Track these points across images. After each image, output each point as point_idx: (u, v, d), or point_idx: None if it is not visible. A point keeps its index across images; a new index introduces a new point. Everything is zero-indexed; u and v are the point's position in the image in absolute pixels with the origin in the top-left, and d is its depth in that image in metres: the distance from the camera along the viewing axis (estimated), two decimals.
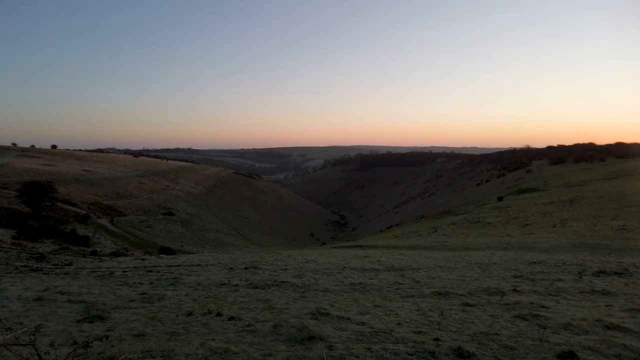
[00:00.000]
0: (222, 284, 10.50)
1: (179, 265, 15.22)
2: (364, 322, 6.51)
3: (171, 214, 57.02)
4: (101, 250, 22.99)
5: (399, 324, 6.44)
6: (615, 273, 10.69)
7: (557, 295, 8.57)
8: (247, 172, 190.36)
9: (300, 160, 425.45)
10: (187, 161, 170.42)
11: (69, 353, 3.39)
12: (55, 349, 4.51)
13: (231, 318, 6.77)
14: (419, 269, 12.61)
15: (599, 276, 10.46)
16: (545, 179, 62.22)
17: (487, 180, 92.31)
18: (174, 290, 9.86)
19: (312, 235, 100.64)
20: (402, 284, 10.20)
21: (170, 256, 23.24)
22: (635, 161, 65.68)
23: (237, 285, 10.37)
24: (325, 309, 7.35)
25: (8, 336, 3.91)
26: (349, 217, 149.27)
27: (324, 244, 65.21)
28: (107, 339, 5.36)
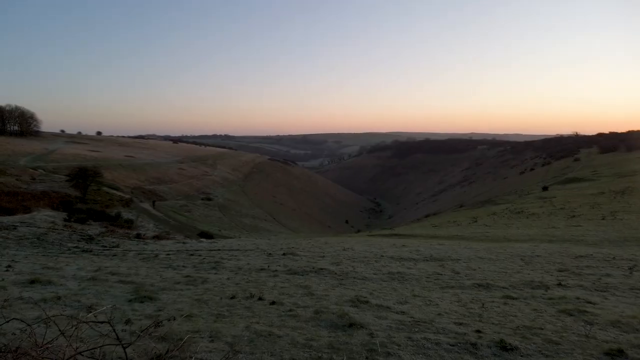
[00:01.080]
0: (262, 269, 10.77)
1: (219, 250, 15.72)
2: (403, 312, 6.52)
3: (209, 199, 58.61)
4: (145, 233, 24.04)
5: (439, 314, 6.40)
6: None
7: (605, 291, 8.24)
8: (283, 158, 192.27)
9: (335, 146, 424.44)
10: (224, 147, 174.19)
11: (143, 330, 3.61)
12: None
13: (273, 303, 6.95)
14: (459, 259, 12.43)
15: None
16: (595, 168, 59.29)
17: (531, 169, 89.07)
18: (216, 274, 10.22)
19: (347, 222, 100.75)
20: (441, 274, 10.10)
21: (209, 240, 24.02)
22: None
23: (276, 270, 10.60)
24: (365, 297, 7.41)
25: (89, 314, 4.22)
26: (385, 205, 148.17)
27: (359, 231, 65.18)
28: (159, 319, 5.65)
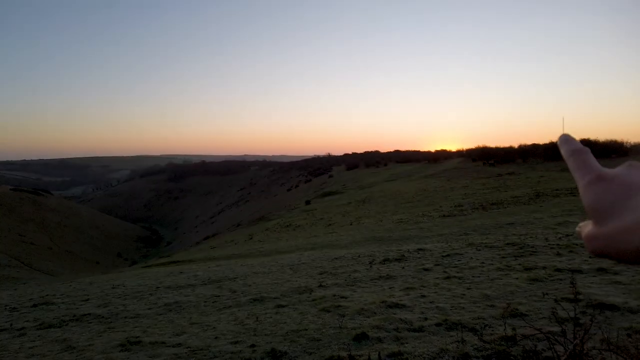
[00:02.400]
0: (2, 330, 8.70)
1: None
2: (180, 343, 6.35)
3: None
4: None
5: (216, 337, 6.50)
6: (396, 259, 12.91)
7: (353, 285, 9.90)
8: (33, 187, 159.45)
9: (102, 171, 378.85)
10: None
11: None
12: None
13: None
14: (236, 278, 12.84)
15: (384, 264, 12.47)
16: (344, 182, 70.64)
17: (297, 186, 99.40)
18: None
19: (119, 255, 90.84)
20: (219, 295, 10.24)
21: None
22: (411, 165, 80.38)
23: (23, 328, 8.72)
24: (137, 337, 6.88)
25: None
26: (163, 231, 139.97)
27: (134, 263, 59.66)
28: None
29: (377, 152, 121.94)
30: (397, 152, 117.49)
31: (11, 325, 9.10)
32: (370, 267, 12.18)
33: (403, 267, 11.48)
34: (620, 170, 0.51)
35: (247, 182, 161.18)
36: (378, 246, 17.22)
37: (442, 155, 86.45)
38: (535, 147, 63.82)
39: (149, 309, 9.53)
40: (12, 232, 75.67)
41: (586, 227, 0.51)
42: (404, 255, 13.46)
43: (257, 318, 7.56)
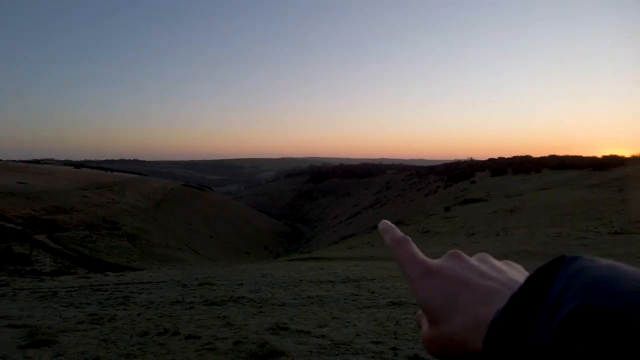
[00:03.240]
0: (176, 302, 10.23)
1: (128, 283, 14.62)
2: (323, 335, 6.62)
3: (117, 229, 54.42)
4: (41, 269, 21.61)
5: (357, 335, 6.61)
6: None
7: None
8: (198, 184, 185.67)
9: (252, 171, 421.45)
10: (133, 173, 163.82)
11: None
12: None
13: (189, 337, 6.65)
14: (374, 279, 12.93)
15: None
16: (488, 189, 65.67)
17: (435, 191, 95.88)
18: (125, 309, 9.49)
19: (265, 248, 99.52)
20: (358, 295, 10.42)
21: (117, 273, 22.22)
22: (570, 172, 70.91)
23: (192, 302, 10.14)
24: (285, 323, 7.40)
25: None
26: (303, 229, 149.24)
27: (277, 256, 64.72)
28: None
29: (528, 157, 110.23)
30: (552, 157, 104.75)
31: (183, 299, 10.66)
32: None
33: None
34: (445, 262, 0.48)
35: (384, 185, 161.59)
36: (530, 261, 15.55)
37: (611, 162, 74.00)
38: None
39: (294, 299, 10.19)
40: (183, 221, 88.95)
41: (423, 322, 0.47)
42: None
43: (397, 322, 7.46)
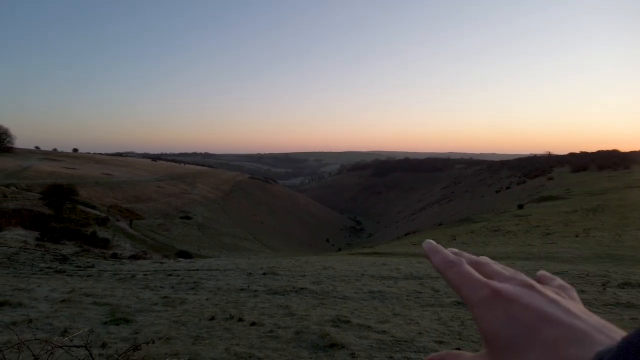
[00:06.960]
0: (242, 289, 10.62)
1: (197, 270, 15.44)
2: (384, 331, 6.51)
3: (188, 218, 57.74)
4: (121, 253, 23.48)
5: (419, 333, 6.42)
6: None
7: None
8: (263, 176, 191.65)
9: (316, 165, 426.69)
10: (204, 165, 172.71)
11: (121, 354, 3.51)
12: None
13: (253, 324, 6.86)
14: (438, 277, 12.51)
15: (623, 288, 10.21)
16: (567, 186, 61.03)
17: (507, 188, 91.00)
18: (195, 294, 10.02)
19: (327, 241, 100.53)
20: (421, 292, 10.14)
21: (188, 260, 23.58)
22: None
23: (256, 290, 10.47)
24: (346, 317, 7.38)
25: (65, 338, 4.09)
26: (365, 223, 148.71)
27: (339, 250, 65.10)
28: (136, 342, 5.50)
29: (615, 152, 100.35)
30: None
31: (248, 286, 11.03)
32: (604, 289, 10.13)
33: None
34: (516, 289, 0.40)
35: (451, 180, 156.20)
36: (615, 266, 14.23)
37: None
38: None
39: (355, 293, 10.14)
40: (248, 212, 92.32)
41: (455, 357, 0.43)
42: None
43: (462, 322, 7.15)
